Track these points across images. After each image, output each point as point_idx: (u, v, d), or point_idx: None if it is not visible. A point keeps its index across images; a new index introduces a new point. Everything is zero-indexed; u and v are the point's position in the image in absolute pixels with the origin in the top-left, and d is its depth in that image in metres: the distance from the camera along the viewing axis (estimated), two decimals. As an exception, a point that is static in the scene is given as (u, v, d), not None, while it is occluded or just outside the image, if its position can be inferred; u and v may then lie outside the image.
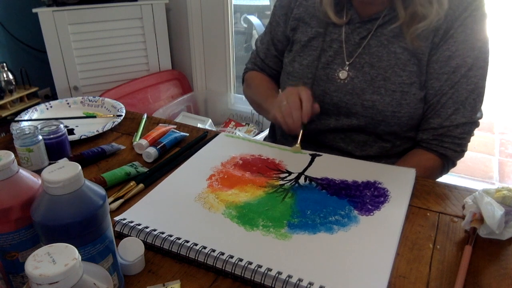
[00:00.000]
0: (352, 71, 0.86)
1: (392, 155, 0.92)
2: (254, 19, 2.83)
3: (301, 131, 0.83)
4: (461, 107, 0.82)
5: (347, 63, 0.87)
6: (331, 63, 0.89)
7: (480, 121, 0.87)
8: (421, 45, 0.82)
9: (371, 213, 0.65)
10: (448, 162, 0.87)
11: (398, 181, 0.73)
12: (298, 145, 0.83)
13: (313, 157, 0.81)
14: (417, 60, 0.83)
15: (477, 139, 2.39)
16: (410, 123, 0.86)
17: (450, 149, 0.85)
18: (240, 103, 2.37)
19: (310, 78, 0.90)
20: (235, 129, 2.26)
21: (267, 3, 3.03)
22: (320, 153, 0.82)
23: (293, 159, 0.80)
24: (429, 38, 0.82)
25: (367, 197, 0.68)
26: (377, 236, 0.60)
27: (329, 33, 0.89)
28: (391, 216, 0.64)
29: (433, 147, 0.86)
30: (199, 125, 1.97)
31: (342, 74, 0.87)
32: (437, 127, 0.84)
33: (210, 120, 2.19)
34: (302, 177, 0.74)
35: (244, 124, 2.30)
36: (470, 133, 0.85)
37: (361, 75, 0.86)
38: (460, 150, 0.86)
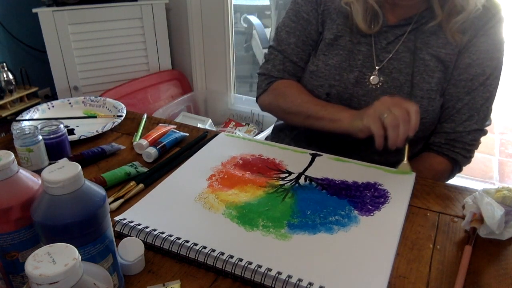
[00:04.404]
0: (381, 76, 0.85)
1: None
2: (254, 19, 2.83)
3: (407, 146, 0.77)
4: (476, 114, 0.83)
5: (377, 68, 0.85)
6: (360, 67, 0.86)
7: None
8: (462, 38, 0.81)
9: (371, 214, 0.65)
10: (456, 167, 0.88)
11: (398, 182, 0.73)
12: (406, 162, 0.76)
13: (313, 157, 0.81)
14: (444, 67, 0.83)
15: (477, 139, 2.38)
16: (431, 128, 0.87)
17: (461, 154, 0.85)
18: (240, 103, 2.37)
19: (338, 80, 0.87)
20: (235, 129, 2.26)
21: (267, 3, 3.02)
22: (321, 153, 0.82)
23: (293, 159, 0.80)
24: (464, 36, 0.81)
25: (367, 198, 0.68)
26: (377, 236, 0.60)
27: (356, 34, 0.86)
28: (391, 217, 0.64)
29: (444, 151, 0.86)
30: (199, 125, 1.97)
31: (374, 80, 0.85)
32: (450, 131, 0.85)
33: (210, 120, 2.19)
34: (302, 177, 0.74)
35: (244, 124, 2.29)
36: (478, 140, 0.86)
37: (390, 80, 0.85)
38: (468, 156, 0.86)
